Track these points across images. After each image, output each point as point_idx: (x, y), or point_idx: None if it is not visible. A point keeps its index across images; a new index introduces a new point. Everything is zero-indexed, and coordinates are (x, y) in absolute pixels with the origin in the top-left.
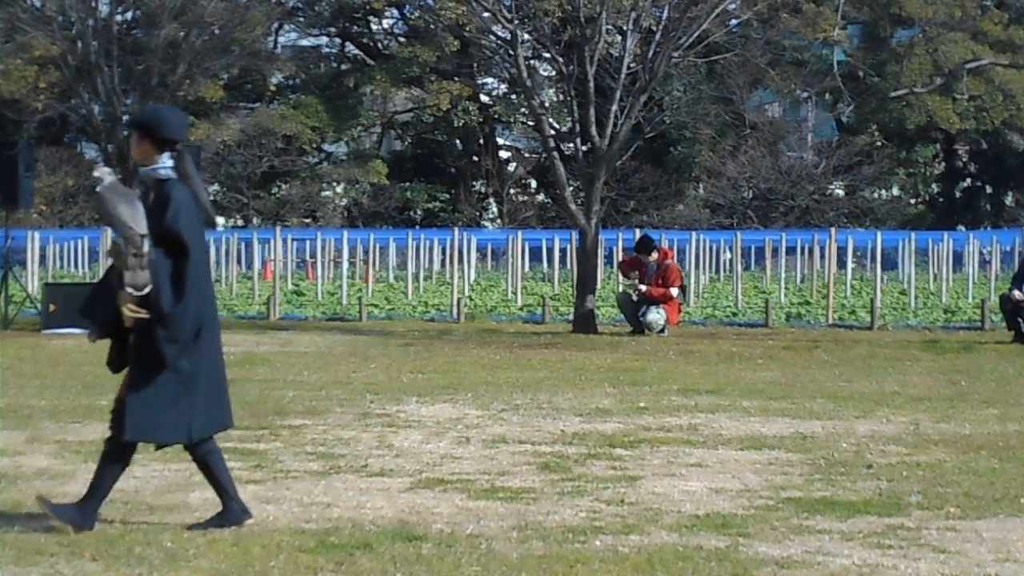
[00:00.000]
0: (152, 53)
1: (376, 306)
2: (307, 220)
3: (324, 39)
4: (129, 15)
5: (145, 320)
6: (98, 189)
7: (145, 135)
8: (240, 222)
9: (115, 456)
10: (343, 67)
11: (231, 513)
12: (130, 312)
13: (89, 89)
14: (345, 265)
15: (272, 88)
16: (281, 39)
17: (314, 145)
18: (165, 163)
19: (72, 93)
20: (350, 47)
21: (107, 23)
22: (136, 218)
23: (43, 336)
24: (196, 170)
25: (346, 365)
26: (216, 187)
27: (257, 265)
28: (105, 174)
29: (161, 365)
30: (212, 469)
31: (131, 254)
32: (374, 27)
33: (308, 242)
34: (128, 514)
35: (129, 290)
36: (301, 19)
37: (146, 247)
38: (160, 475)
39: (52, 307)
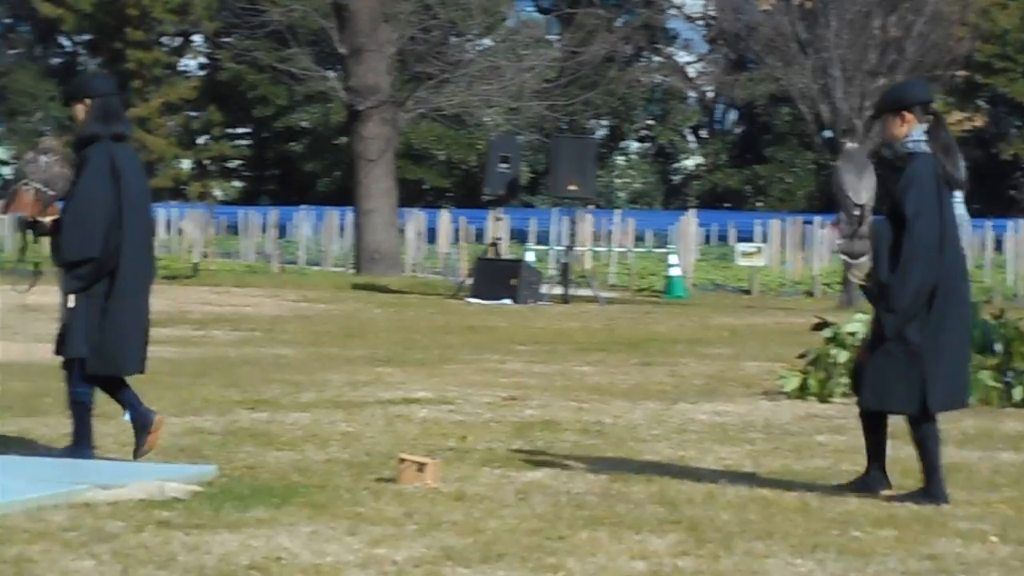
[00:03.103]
0: None
1: None
2: None
3: None
4: None
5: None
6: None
7: (901, 108)
8: None
9: (869, 423)
10: None
11: (930, 493)
12: (852, 279)
13: None
14: None
15: None
16: None
17: None
18: (914, 136)
19: None
20: None
21: None
22: (857, 188)
23: None
24: (949, 134)
25: None
26: None
27: None
28: (851, 145)
29: (885, 335)
30: (924, 449)
31: (845, 223)
32: None
33: None
34: None
35: (844, 258)
36: None
37: (865, 217)
38: None
39: None
